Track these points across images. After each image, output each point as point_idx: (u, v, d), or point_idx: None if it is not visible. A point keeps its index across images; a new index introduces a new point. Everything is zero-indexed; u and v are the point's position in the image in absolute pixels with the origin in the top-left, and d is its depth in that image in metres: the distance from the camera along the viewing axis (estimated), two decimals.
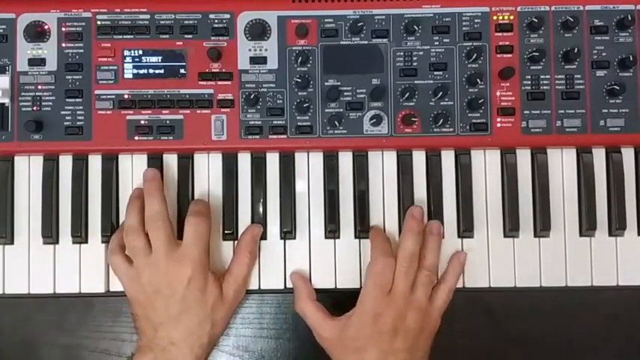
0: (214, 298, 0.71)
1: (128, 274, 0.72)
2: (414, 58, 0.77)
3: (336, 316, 0.73)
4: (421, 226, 0.74)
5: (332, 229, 0.77)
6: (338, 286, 0.77)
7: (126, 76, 0.77)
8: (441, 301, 0.73)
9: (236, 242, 0.77)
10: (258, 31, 0.76)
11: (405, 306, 0.70)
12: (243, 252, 0.74)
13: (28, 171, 0.78)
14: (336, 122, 0.76)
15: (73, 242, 0.77)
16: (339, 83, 0.77)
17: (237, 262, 0.74)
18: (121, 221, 0.77)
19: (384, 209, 0.78)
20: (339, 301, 0.75)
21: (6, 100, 0.76)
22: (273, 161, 0.78)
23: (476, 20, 0.77)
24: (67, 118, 0.76)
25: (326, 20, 0.77)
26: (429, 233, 0.75)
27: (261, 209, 0.77)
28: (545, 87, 0.77)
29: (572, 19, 0.76)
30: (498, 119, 0.77)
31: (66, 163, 0.78)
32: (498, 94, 0.77)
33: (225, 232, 0.77)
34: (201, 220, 0.72)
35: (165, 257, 0.70)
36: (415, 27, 0.76)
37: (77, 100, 0.77)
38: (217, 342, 0.75)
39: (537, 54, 0.76)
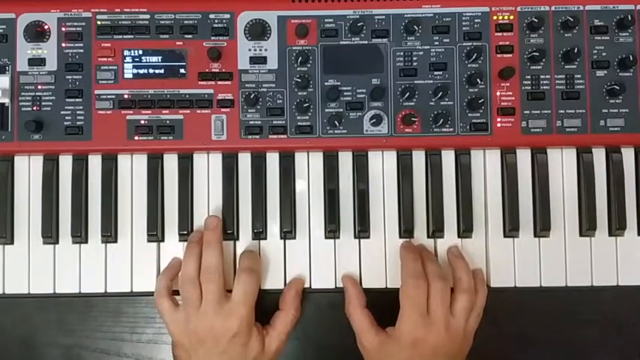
0: (256, 352, 0.72)
1: (175, 319, 0.73)
2: (414, 58, 0.77)
3: (382, 328, 0.73)
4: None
5: (332, 229, 0.77)
6: (338, 287, 0.77)
7: (126, 76, 0.77)
8: (474, 324, 0.73)
9: (237, 242, 0.77)
10: (258, 31, 0.76)
11: (445, 331, 0.70)
12: (289, 308, 0.75)
13: (28, 171, 0.78)
14: (336, 122, 0.76)
15: (73, 242, 0.77)
16: (339, 83, 0.77)
17: (283, 318, 0.74)
18: (120, 221, 0.77)
19: (384, 209, 0.78)
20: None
21: (6, 100, 0.76)
22: (273, 161, 0.78)
23: (476, 20, 0.77)
24: (67, 118, 0.76)
25: (326, 20, 0.77)
26: (453, 257, 0.75)
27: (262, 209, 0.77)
28: (545, 87, 0.77)
29: (572, 19, 0.76)
30: (498, 119, 0.77)
31: (66, 163, 0.78)
32: (498, 94, 0.77)
33: (227, 231, 0.77)
34: (252, 278, 0.73)
35: (214, 311, 0.71)
36: (415, 27, 0.76)
37: (77, 100, 0.77)
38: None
39: (537, 54, 0.76)
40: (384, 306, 0.76)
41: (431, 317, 0.71)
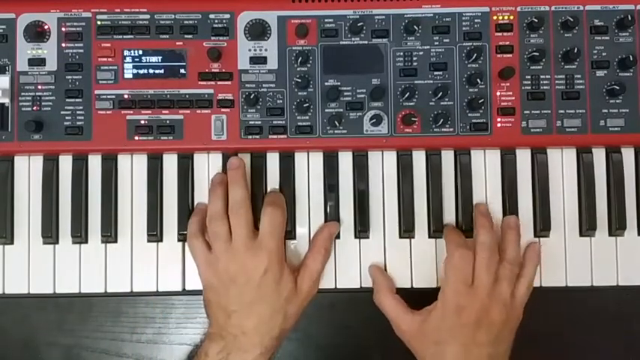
0: (289, 290, 0.72)
1: (207, 260, 0.73)
2: (414, 58, 0.77)
3: (416, 310, 0.73)
4: (491, 221, 0.74)
5: None
6: (338, 286, 0.77)
7: (126, 76, 0.77)
8: (523, 294, 0.73)
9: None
10: (258, 31, 0.76)
11: (489, 299, 0.70)
12: (319, 247, 0.74)
13: (28, 171, 0.78)
14: (336, 122, 0.76)
15: (73, 242, 0.77)
16: (339, 83, 0.77)
17: (313, 257, 0.74)
18: (120, 221, 0.77)
19: (384, 209, 0.78)
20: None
21: (6, 100, 0.76)
22: (273, 161, 0.78)
23: (476, 20, 0.77)
24: (67, 118, 0.76)
25: (326, 20, 0.77)
26: (507, 227, 0.75)
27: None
28: (545, 87, 0.77)
29: (572, 19, 0.76)
30: (498, 119, 0.77)
31: (66, 163, 0.78)
32: (498, 94, 0.77)
33: None
34: (277, 210, 0.73)
35: (244, 246, 0.71)
36: (415, 27, 0.76)
37: (77, 100, 0.77)
38: (285, 337, 0.74)
39: (537, 54, 0.76)
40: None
41: (475, 285, 0.70)
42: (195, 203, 0.78)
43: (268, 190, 0.78)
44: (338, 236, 0.77)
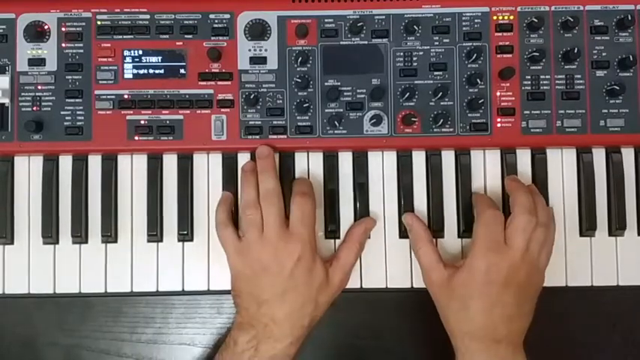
0: (320, 280, 0.72)
1: (238, 248, 0.73)
2: (414, 58, 0.77)
3: (448, 263, 0.73)
4: (524, 184, 0.75)
5: (332, 229, 0.77)
6: None
7: (126, 76, 0.77)
8: (546, 259, 0.73)
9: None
10: (258, 31, 0.76)
11: (521, 261, 0.70)
12: (354, 241, 0.75)
13: (28, 171, 0.78)
14: (336, 122, 0.76)
15: (73, 242, 0.77)
16: (339, 83, 0.77)
17: (347, 250, 0.74)
18: (120, 221, 0.77)
19: (384, 209, 0.78)
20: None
21: (6, 100, 0.76)
22: None
23: (476, 20, 0.77)
24: (67, 118, 0.76)
25: (326, 20, 0.77)
26: (533, 193, 0.74)
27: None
28: (545, 87, 0.77)
29: (572, 19, 0.76)
30: (498, 119, 0.77)
31: (66, 163, 0.78)
32: (498, 94, 0.77)
33: None
34: (307, 200, 0.73)
35: (277, 235, 0.71)
36: (415, 27, 0.76)
37: (77, 100, 0.77)
38: (315, 326, 0.74)
39: (537, 54, 0.76)
40: (384, 306, 0.76)
41: (507, 245, 0.70)
42: (221, 192, 0.77)
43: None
44: (338, 236, 0.77)
